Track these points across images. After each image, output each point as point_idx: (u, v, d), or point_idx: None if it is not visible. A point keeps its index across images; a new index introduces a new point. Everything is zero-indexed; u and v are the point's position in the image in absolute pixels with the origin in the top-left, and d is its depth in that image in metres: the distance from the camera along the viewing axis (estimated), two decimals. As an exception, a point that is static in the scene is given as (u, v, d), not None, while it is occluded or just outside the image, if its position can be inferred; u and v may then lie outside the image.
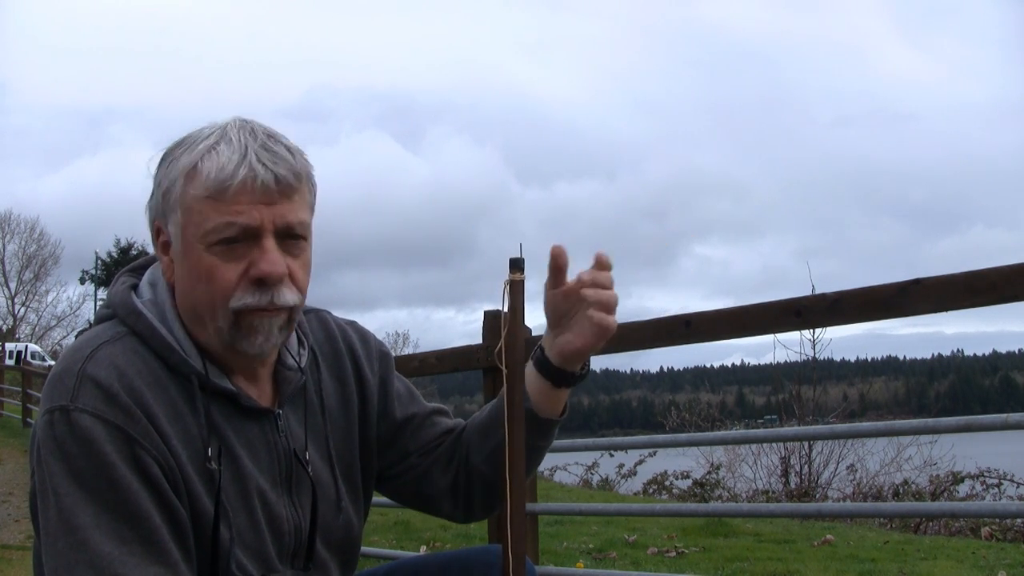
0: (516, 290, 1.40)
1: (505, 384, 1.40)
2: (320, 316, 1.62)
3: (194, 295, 1.35)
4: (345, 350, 1.60)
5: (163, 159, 1.38)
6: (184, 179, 1.33)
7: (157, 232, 1.39)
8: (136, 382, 1.30)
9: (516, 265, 1.40)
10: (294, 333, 1.50)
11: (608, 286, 1.43)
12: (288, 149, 1.36)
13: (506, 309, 1.41)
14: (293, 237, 1.36)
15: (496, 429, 1.52)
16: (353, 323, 1.66)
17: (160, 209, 1.37)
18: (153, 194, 1.39)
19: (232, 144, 1.32)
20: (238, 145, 1.32)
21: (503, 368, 1.40)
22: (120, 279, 1.45)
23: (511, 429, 1.38)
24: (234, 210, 1.30)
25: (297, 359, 1.49)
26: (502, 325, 1.41)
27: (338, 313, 1.68)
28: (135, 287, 1.43)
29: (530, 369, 1.51)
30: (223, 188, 1.30)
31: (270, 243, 1.33)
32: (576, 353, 1.46)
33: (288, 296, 1.35)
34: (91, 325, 1.44)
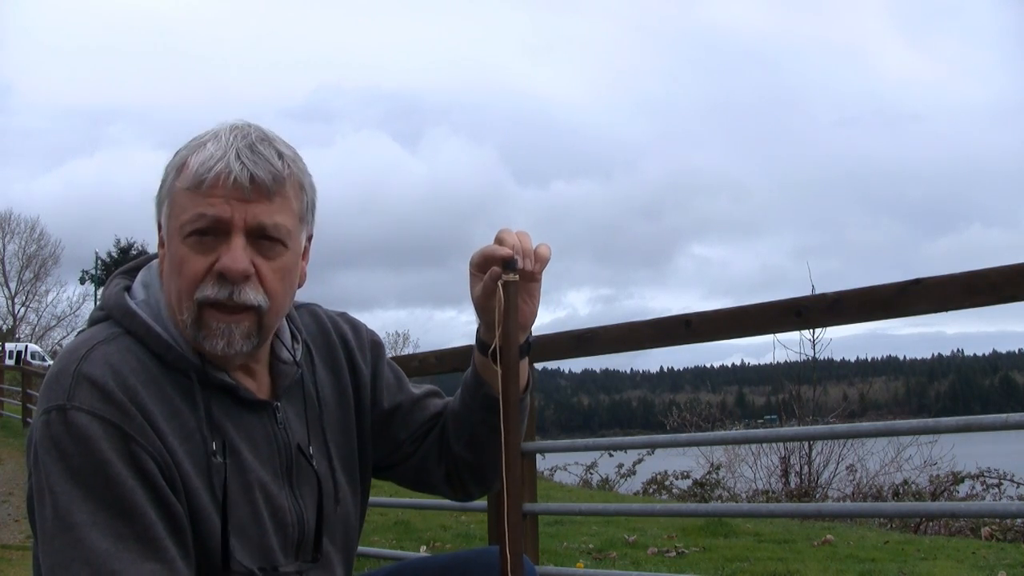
0: (509, 290, 1.41)
1: (500, 383, 1.41)
2: (311, 310, 1.65)
3: (169, 285, 1.38)
4: (338, 342, 1.61)
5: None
6: (175, 173, 1.37)
7: (159, 223, 1.42)
8: (131, 380, 1.31)
9: (509, 265, 1.41)
10: (287, 327, 1.52)
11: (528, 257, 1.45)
12: (279, 154, 1.38)
13: (500, 309, 1.41)
14: (268, 239, 1.36)
15: (467, 416, 1.59)
16: (343, 314, 1.68)
17: (157, 201, 1.42)
18: (159, 188, 1.43)
19: (220, 141, 1.36)
20: (224, 143, 1.36)
21: (497, 368, 1.42)
22: (113, 281, 1.46)
23: (507, 428, 1.39)
24: (207, 202, 1.33)
25: (292, 352, 1.50)
26: (496, 325, 1.42)
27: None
28: (128, 288, 1.44)
29: (479, 359, 1.55)
30: (200, 181, 1.33)
31: (238, 240, 1.34)
32: (524, 322, 1.50)
33: (250, 295, 1.35)
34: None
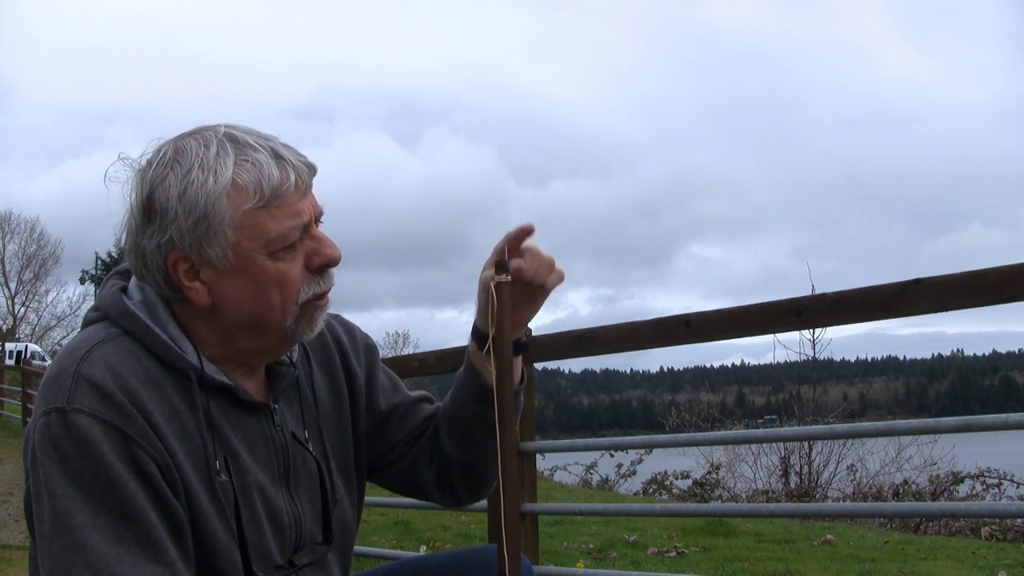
0: (502, 291, 1.41)
1: (495, 384, 1.41)
2: None
3: (260, 306, 1.35)
4: (333, 344, 1.61)
5: (159, 189, 1.32)
6: (227, 199, 1.30)
7: (175, 263, 1.33)
8: (131, 381, 1.30)
9: (501, 267, 1.41)
10: None
11: (537, 264, 1.45)
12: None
13: (493, 310, 1.42)
14: (318, 220, 1.41)
15: (460, 410, 1.58)
16: (337, 316, 1.67)
17: (189, 239, 1.31)
18: (166, 228, 1.31)
19: (258, 150, 1.33)
20: (262, 149, 1.33)
21: (491, 369, 1.42)
22: (109, 282, 1.45)
23: (503, 429, 1.39)
24: (292, 212, 1.34)
25: (288, 354, 1.50)
26: (489, 326, 1.42)
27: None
28: (124, 289, 1.43)
29: (473, 348, 1.55)
30: (278, 193, 1.32)
31: (319, 230, 1.39)
32: (521, 321, 1.52)
33: (334, 275, 1.43)
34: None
